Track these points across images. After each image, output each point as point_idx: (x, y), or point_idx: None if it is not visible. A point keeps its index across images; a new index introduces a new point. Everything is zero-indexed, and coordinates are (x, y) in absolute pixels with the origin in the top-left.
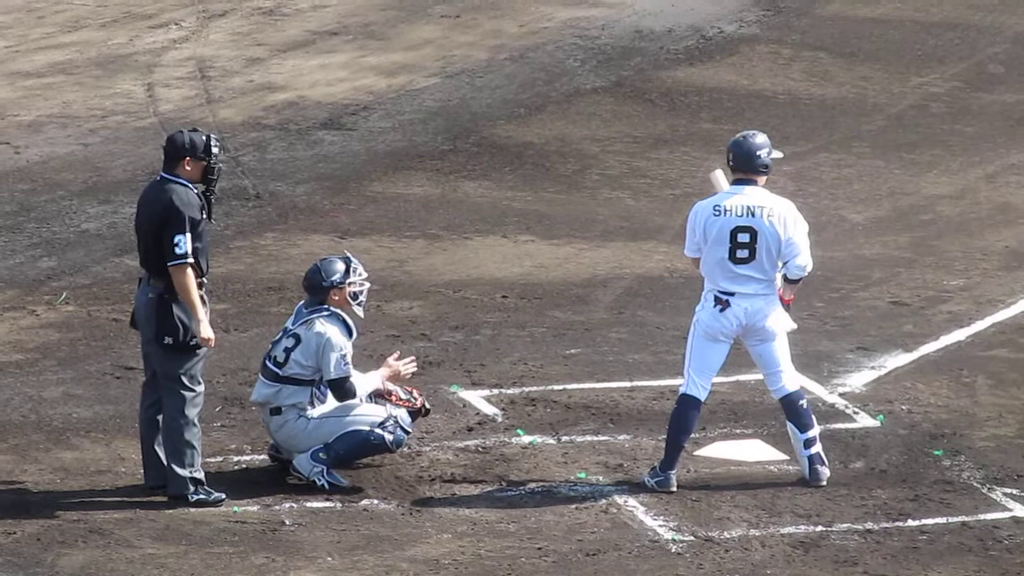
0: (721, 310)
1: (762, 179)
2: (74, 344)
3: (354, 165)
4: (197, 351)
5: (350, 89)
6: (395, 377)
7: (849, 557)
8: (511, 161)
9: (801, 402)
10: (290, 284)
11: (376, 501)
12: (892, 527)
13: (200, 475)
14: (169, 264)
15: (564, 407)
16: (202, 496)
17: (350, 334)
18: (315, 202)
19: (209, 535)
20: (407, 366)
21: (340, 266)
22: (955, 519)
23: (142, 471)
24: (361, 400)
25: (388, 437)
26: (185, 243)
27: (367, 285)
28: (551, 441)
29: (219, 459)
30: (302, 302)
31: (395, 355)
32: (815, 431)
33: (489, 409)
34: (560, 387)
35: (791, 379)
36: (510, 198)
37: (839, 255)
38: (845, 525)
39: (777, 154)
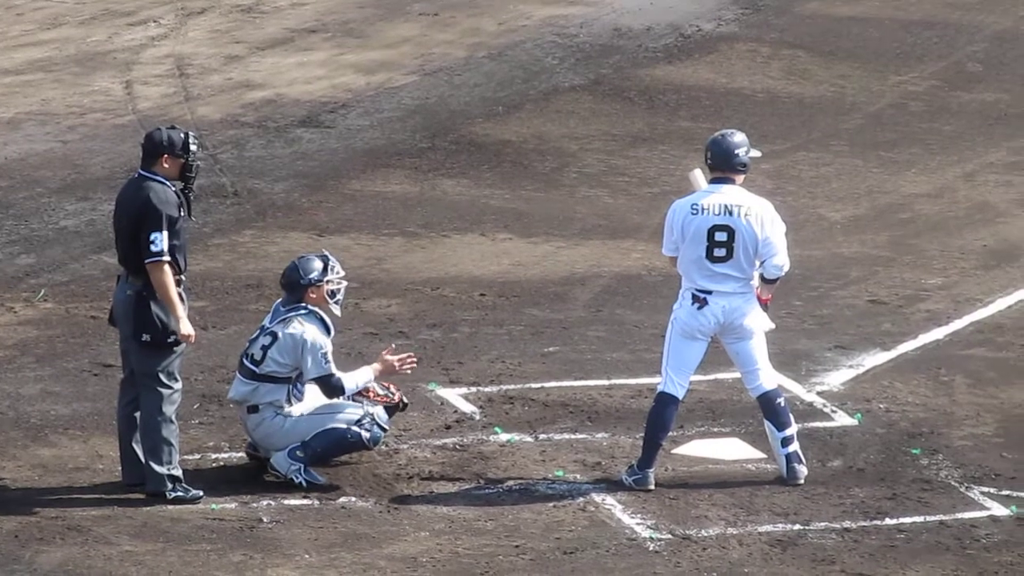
0: (699, 308)
1: (740, 178)
2: (52, 341)
3: (332, 163)
4: (175, 348)
5: (328, 87)
6: (389, 372)
7: (827, 556)
8: (489, 159)
9: (779, 400)
10: (268, 281)
11: (354, 499)
12: (870, 526)
13: (178, 472)
14: (146, 261)
15: (542, 405)
16: (180, 493)
17: (328, 332)
18: (293, 200)
19: (187, 532)
20: (405, 362)
21: (318, 264)
22: (933, 518)
23: (120, 468)
24: (349, 396)
25: (365, 435)
26: (162, 240)
27: (345, 283)
28: (529, 439)
29: (197, 456)
30: (280, 300)
31: (389, 349)
32: (792, 429)
33: (467, 407)
34: (538, 385)
35: (768, 377)
36: (488, 196)
37: (817, 254)
38: (823, 524)
39: (755, 153)
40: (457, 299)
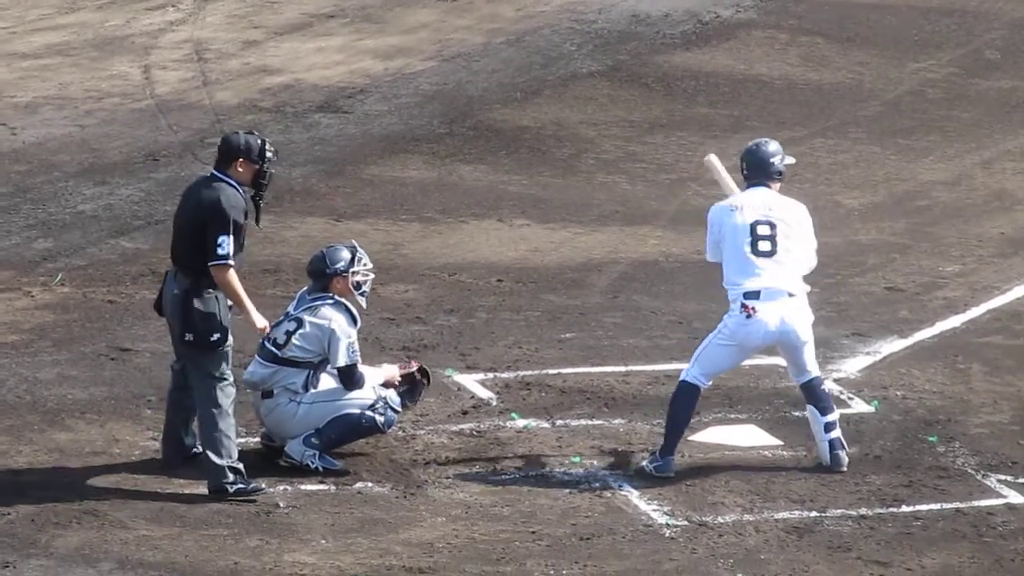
0: (747, 317)
1: (776, 185)
2: (69, 325)
3: (350, 148)
4: (219, 347)
5: (346, 72)
6: (390, 383)
7: (843, 543)
8: (507, 145)
9: (822, 386)
10: (286, 267)
11: (370, 484)
12: (886, 513)
13: (239, 465)
14: (210, 264)
15: (559, 391)
16: (241, 486)
17: (355, 323)
18: (311, 185)
19: (203, 517)
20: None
21: (345, 254)
22: (949, 505)
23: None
24: (373, 389)
25: (379, 419)
26: (228, 244)
27: (371, 276)
28: (545, 425)
29: None
30: (304, 288)
31: (403, 365)
32: (835, 415)
33: (484, 393)
34: (555, 371)
35: (814, 368)
36: (506, 182)
37: (834, 241)
38: (839, 511)
39: (790, 160)
40: (474, 285)
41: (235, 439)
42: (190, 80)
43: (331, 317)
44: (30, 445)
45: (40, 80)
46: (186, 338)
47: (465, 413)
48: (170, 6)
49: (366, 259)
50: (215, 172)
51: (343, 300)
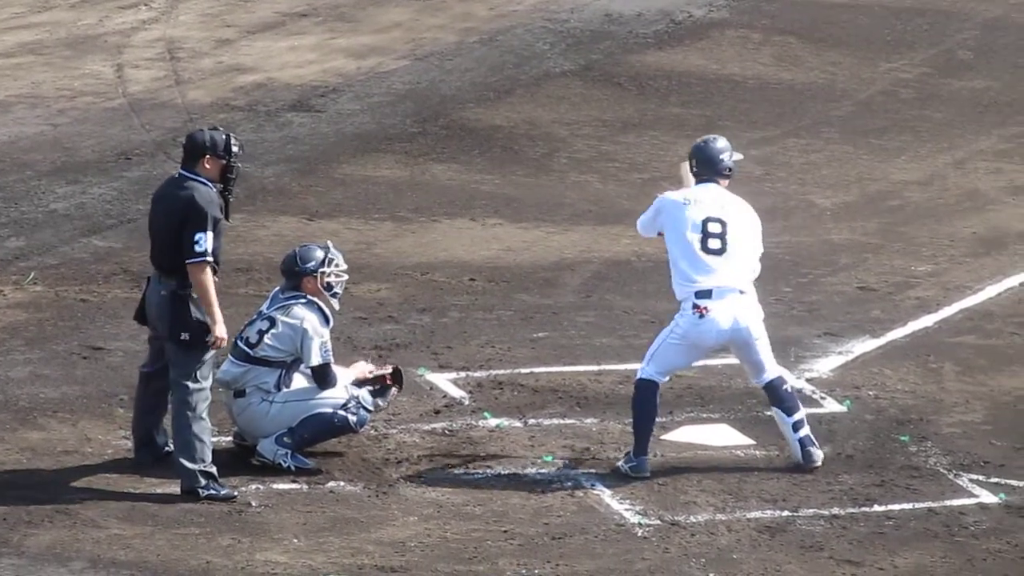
0: (700, 317)
1: (725, 182)
2: (42, 324)
3: (323, 147)
4: (211, 347)
5: (319, 71)
6: (361, 381)
7: (815, 542)
8: (480, 144)
9: (785, 386)
10: (258, 266)
11: (342, 483)
12: (858, 512)
13: (212, 469)
14: (188, 261)
15: (531, 390)
16: (213, 492)
17: (327, 323)
18: (284, 184)
19: (175, 516)
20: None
21: (318, 254)
22: (921, 505)
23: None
24: (344, 388)
25: (352, 418)
26: (205, 241)
27: (344, 277)
28: (518, 424)
29: None
30: (278, 287)
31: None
32: (802, 413)
33: (456, 392)
34: (527, 370)
35: (773, 367)
36: (479, 181)
37: (807, 240)
38: (811, 510)
39: (738, 156)
40: (447, 284)
41: (209, 442)
42: (163, 79)
43: (303, 316)
44: (2, 444)
45: (12, 79)
46: (181, 337)
47: (437, 412)
48: (143, 5)
49: (339, 259)
50: (183, 172)
51: (316, 300)
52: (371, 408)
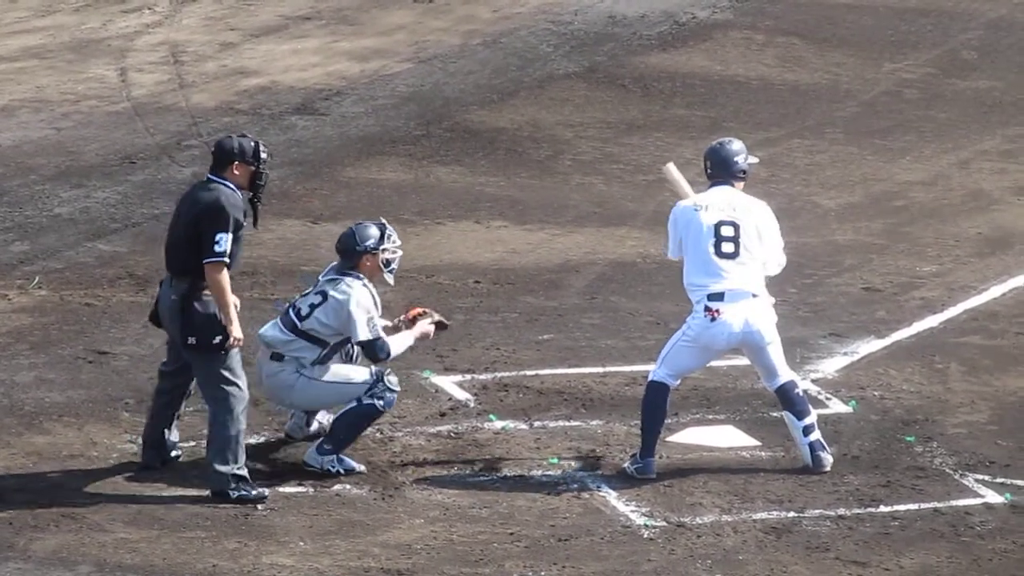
0: (711, 320)
1: (740, 184)
2: (46, 329)
3: (327, 150)
4: (223, 349)
5: (323, 74)
6: (425, 338)
7: (821, 543)
8: (484, 146)
9: (796, 390)
10: (263, 269)
11: (348, 486)
12: (864, 513)
13: (243, 472)
14: (205, 260)
15: (536, 392)
16: (243, 493)
17: (375, 301)
18: (288, 187)
19: (181, 519)
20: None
21: (374, 231)
22: (927, 505)
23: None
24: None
25: (378, 403)
26: (226, 241)
27: (400, 253)
28: (523, 427)
29: (192, 444)
30: (332, 264)
31: (417, 312)
32: (812, 417)
33: (461, 394)
34: (532, 372)
35: (785, 371)
36: (483, 183)
37: (811, 241)
38: (817, 511)
39: (753, 159)
40: (451, 286)
41: (243, 444)
42: (166, 83)
43: (351, 293)
44: (7, 448)
45: (16, 83)
46: (188, 342)
47: (443, 415)
48: (146, 9)
49: (395, 236)
50: (211, 176)
51: (364, 278)
52: (397, 389)
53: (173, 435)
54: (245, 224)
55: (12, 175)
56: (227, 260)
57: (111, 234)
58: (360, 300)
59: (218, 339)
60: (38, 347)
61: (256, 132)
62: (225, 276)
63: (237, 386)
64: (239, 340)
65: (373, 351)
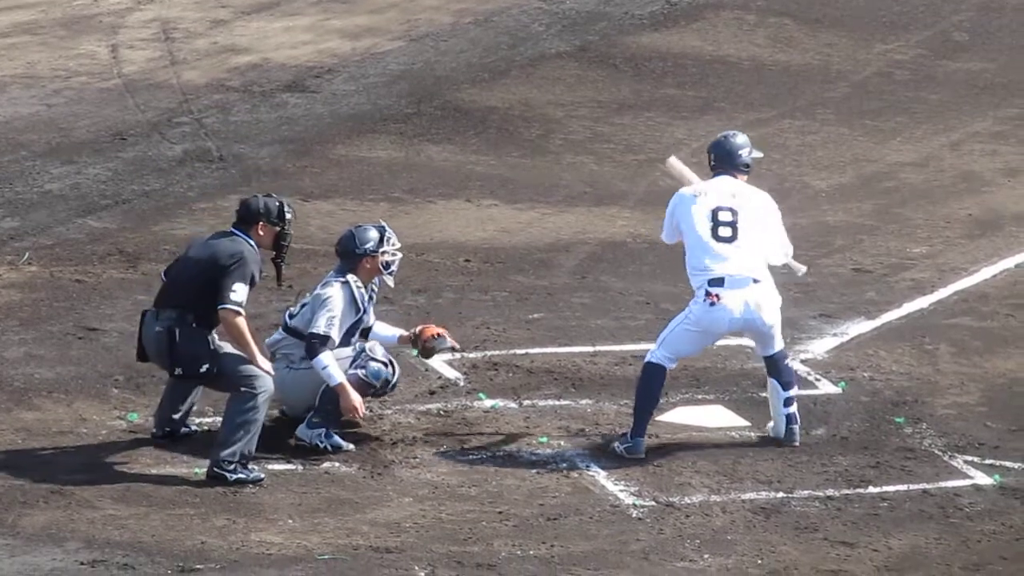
0: (711, 304)
1: (743, 177)
2: (36, 304)
3: (318, 128)
4: (209, 376)
5: (314, 52)
6: (347, 408)
7: (810, 523)
8: (475, 125)
9: (786, 360)
10: None
11: (337, 464)
12: (853, 494)
13: (247, 451)
14: (221, 307)
15: (526, 371)
16: (242, 476)
17: (357, 311)
18: (279, 164)
19: (170, 496)
20: (360, 414)
21: (374, 234)
22: (916, 486)
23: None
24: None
25: (360, 372)
26: (243, 292)
27: (399, 255)
28: (513, 405)
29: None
30: (334, 268)
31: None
32: (795, 391)
33: (451, 373)
34: (522, 351)
35: (780, 343)
36: (474, 162)
37: (802, 222)
38: (806, 492)
39: (757, 153)
40: (442, 265)
41: (256, 435)
42: (157, 59)
43: (331, 292)
44: None
45: (7, 59)
46: (176, 372)
47: (432, 393)
48: None
49: (394, 238)
50: (235, 230)
51: (356, 283)
52: (382, 359)
53: (185, 411)
54: (257, 280)
55: (3, 151)
56: (241, 311)
57: (101, 210)
58: (333, 299)
59: (204, 368)
60: (28, 323)
61: (247, 109)
62: (242, 321)
63: (259, 375)
64: (269, 372)
65: (314, 347)
